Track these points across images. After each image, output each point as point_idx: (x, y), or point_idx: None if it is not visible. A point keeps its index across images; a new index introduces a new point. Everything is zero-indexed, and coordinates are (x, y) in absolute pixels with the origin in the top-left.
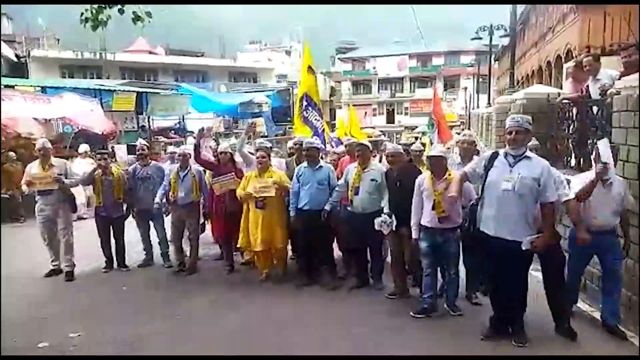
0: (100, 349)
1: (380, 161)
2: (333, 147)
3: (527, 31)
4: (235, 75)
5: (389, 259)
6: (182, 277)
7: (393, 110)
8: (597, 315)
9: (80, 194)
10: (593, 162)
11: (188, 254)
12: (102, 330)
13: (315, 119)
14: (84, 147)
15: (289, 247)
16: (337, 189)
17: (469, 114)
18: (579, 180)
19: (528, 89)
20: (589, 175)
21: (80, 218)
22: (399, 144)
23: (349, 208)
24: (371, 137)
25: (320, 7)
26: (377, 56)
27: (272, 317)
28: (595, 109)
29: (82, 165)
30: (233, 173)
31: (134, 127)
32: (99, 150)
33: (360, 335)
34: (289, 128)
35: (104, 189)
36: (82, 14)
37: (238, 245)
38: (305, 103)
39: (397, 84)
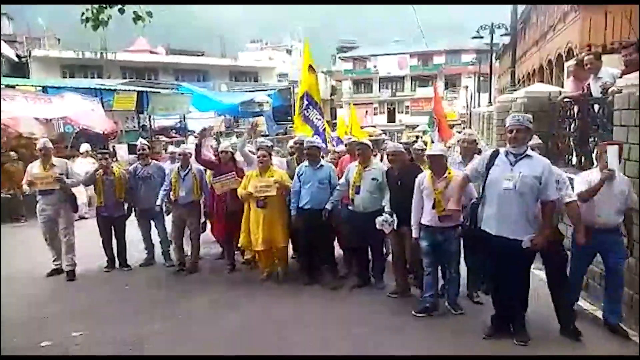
0: (102, 349)
1: (381, 160)
2: (334, 146)
3: (528, 30)
4: (236, 75)
5: (390, 257)
6: (183, 276)
7: (394, 109)
8: (598, 314)
9: (82, 193)
10: (595, 160)
11: (189, 253)
12: (104, 330)
13: (316, 118)
14: (85, 147)
15: (290, 246)
16: (338, 188)
17: (470, 113)
18: (580, 180)
19: (529, 88)
20: (590, 175)
21: (81, 217)
22: (400, 143)
23: (350, 207)
24: (372, 136)
25: (320, 7)
26: (378, 55)
27: (272, 317)
28: (596, 107)
29: (83, 165)
30: (234, 172)
31: (134, 127)
32: (100, 150)
33: (361, 335)
34: (290, 127)
35: (105, 188)
36: (82, 13)
37: (239, 245)
38: (306, 102)
39: (398, 83)
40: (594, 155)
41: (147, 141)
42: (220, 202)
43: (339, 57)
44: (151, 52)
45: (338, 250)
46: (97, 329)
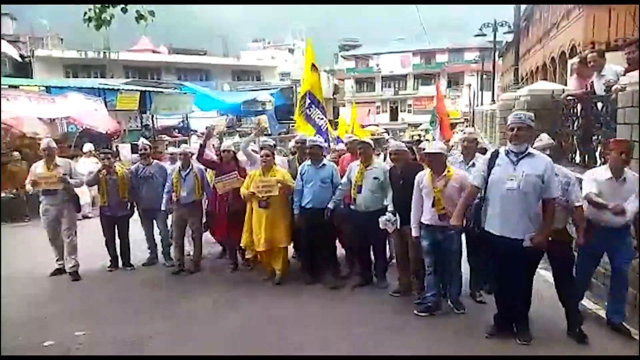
0: (103, 349)
1: (384, 160)
2: (336, 144)
3: (531, 27)
4: (238, 74)
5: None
6: (184, 276)
7: (396, 107)
8: (602, 313)
9: (85, 193)
10: (598, 158)
11: (191, 253)
12: (107, 330)
13: (319, 117)
14: (88, 147)
15: (290, 246)
16: (340, 187)
17: (473, 111)
18: (587, 179)
19: (532, 86)
20: (595, 173)
21: (85, 217)
22: (402, 142)
23: (352, 206)
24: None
25: (321, 7)
26: (381, 53)
27: (273, 316)
28: (600, 105)
29: (86, 165)
30: (236, 172)
31: (137, 126)
32: (103, 150)
33: (361, 335)
34: (292, 126)
35: (109, 188)
36: (85, 13)
37: (241, 245)
38: (308, 101)
39: (401, 82)
40: (597, 153)
41: (150, 141)
42: (222, 201)
43: (342, 56)
44: (154, 52)
45: (340, 250)
46: (101, 329)
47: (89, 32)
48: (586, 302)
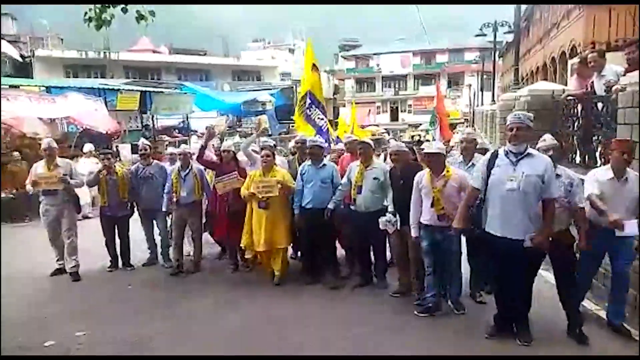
0: (103, 349)
1: (385, 160)
2: (336, 144)
3: (531, 27)
4: (238, 74)
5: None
6: (184, 276)
7: (397, 107)
8: (602, 314)
9: (86, 193)
10: (599, 159)
11: (191, 253)
12: (107, 330)
13: (319, 118)
14: (88, 147)
15: (290, 247)
16: (340, 187)
17: (473, 112)
18: (589, 179)
19: (532, 86)
20: (597, 174)
21: (85, 217)
22: (403, 142)
23: (352, 207)
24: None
25: (321, 7)
26: (381, 53)
27: (273, 317)
28: (600, 105)
29: (86, 165)
30: (236, 172)
31: (138, 127)
32: (103, 150)
33: (361, 335)
34: (293, 126)
35: (109, 188)
36: (85, 13)
37: (241, 245)
38: (308, 101)
39: (401, 82)
40: (597, 153)
41: (150, 141)
42: (222, 202)
43: (342, 56)
44: (154, 52)
45: (340, 250)
46: (101, 329)
47: (89, 32)
48: (587, 303)
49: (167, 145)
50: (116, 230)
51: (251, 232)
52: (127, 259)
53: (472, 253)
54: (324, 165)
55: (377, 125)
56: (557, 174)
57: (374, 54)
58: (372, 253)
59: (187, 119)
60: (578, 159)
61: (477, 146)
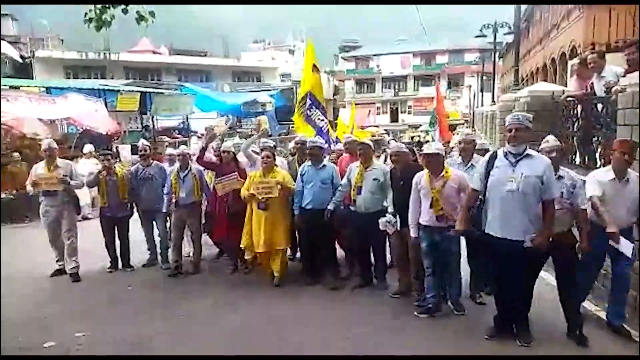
0: (105, 349)
1: (385, 161)
2: (335, 145)
3: (531, 28)
4: (238, 75)
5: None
6: (184, 277)
7: (397, 108)
8: (602, 314)
9: (86, 194)
10: (598, 160)
11: (190, 253)
12: (107, 330)
13: (319, 118)
14: (88, 148)
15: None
16: (340, 188)
17: (473, 112)
18: (590, 181)
19: (532, 87)
20: (597, 175)
21: (85, 218)
22: (402, 143)
23: (351, 208)
24: (374, 136)
25: (321, 7)
26: (381, 54)
27: (273, 317)
28: (600, 106)
29: (86, 166)
30: (236, 173)
31: (138, 127)
32: (103, 151)
33: (361, 335)
34: (293, 127)
35: (109, 189)
36: (85, 14)
37: (241, 246)
38: (309, 102)
39: (401, 83)
40: (597, 154)
41: (150, 142)
42: (222, 202)
43: (342, 57)
44: (154, 53)
45: (340, 251)
46: (98, 330)
47: (90, 33)
48: (587, 304)
49: (166, 146)
50: (116, 231)
51: (251, 233)
52: (127, 259)
53: (472, 254)
54: (324, 166)
55: (377, 126)
56: (560, 176)
57: (374, 55)
58: (372, 254)
59: (187, 120)
60: (578, 160)
61: (477, 147)
